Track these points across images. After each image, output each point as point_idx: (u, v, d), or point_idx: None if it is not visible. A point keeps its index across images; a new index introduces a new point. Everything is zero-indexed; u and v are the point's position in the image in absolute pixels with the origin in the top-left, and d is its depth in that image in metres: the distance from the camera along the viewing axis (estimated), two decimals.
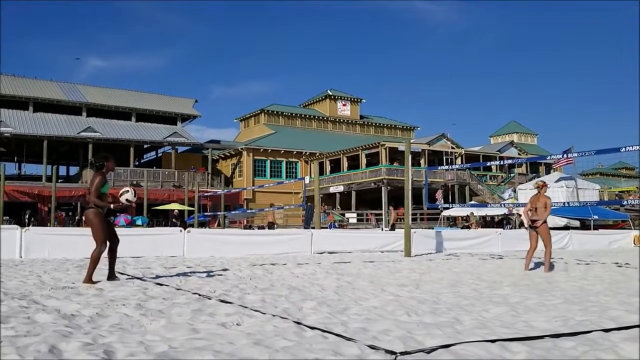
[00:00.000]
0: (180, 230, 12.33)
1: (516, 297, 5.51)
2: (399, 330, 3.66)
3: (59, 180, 35.32)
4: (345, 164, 43.37)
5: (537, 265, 9.19)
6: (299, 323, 3.90)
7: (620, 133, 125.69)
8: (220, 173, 43.41)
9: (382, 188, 37.58)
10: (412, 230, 13.43)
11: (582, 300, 5.26)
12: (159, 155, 46.22)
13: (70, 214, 33.88)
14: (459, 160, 43.10)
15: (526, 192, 25.50)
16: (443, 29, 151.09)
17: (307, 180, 19.50)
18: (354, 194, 40.26)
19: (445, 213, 29.95)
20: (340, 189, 41.54)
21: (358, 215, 36.97)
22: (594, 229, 22.62)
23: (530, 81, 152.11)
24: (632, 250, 16.76)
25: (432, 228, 22.16)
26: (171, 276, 7.22)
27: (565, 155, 22.58)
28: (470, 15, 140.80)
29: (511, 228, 23.68)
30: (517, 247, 15.13)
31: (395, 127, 58.16)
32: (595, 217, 23.58)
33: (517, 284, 6.76)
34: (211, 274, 7.61)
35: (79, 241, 10.41)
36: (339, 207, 40.13)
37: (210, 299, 5.10)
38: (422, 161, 41.18)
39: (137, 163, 45.23)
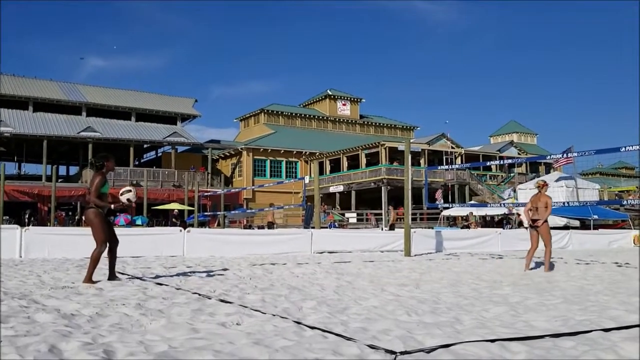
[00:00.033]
0: (180, 230, 12.33)
1: (516, 296, 5.51)
2: (398, 330, 3.66)
3: (59, 180, 35.30)
4: (345, 163, 43.37)
5: (537, 265, 9.19)
6: (298, 323, 3.90)
7: (620, 133, 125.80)
8: (220, 173, 43.41)
9: (382, 188, 37.59)
10: (412, 230, 13.44)
11: (582, 300, 5.26)
12: (159, 155, 46.22)
13: (70, 213, 33.88)
14: (458, 160, 43.11)
15: (526, 191, 25.52)
16: (443, 29, 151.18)
17: (307, 180, 19.49)
18: (353, 193, 40.26)
19: (445, 213, 29.95)
20: (340, 188, 41.54)
21: (358, 215, 36.97)
22: (594, 228, 22.63)
23: (530, 81, 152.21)
24: (632, 250, 16.76)
25: (432, 228, 22.15)
26: (171, 276, 7.22)
27: (565, 155, 22.59)
28: (470, 15, 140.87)
29: (511, 228, 23.67)
30: (516, 247, 15.14)
31: (395, 127, 58.16)
32: (595, 216, 23.58)
33: (516, 284, 6.76)
34: (211, 273, 7.61)
35: (78, 241, 10.42)
36: (338, 206, 40.14)
37: (210, 298, 5.10)
38: (422, 161, 41.18)
39: (137, 163, 45.23)
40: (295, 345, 3.15)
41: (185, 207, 29.65)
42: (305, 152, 45.52)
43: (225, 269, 8.31)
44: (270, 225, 21.85)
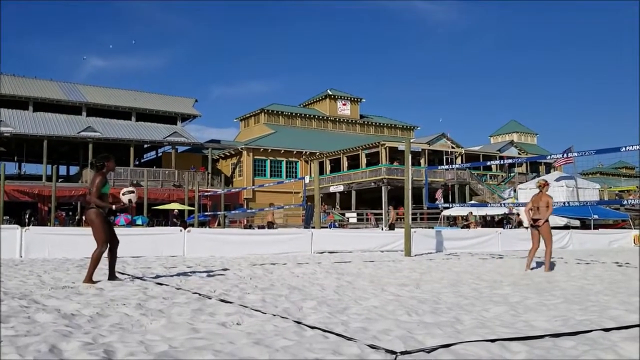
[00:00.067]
0: (181, 230, 12.33)
1: (516, 296, 5.51)
2: (399, 330, 3.66)
3: (59, 180, 35.31)
4: (345, 163, 43.37)
5: (538, 264, 9.19)
6: (299, 323, 3.90)
7: (620, 133, 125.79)
8: (220, 173, 43.41)
9: (382, 188, 37.59)
10: (412, 230, 13.44)
11: (582, 300, 5.26)
12: (159, 154, 46.24)
13: (71, 213, 33.89)
14: (459, 160, 43.12)
15: (526, 191, 25.51)
16: (443, 29, 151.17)
17: (307, 180, 19.50)
18: (354, 193, 40.26)
19: (445, 213, 29.95)
20: (340, 188, 41.54)
21: (358, 214, 36.96)
22: (594, 228, 22.62)
23: (530, 81, 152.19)
24: (632, 249, 16.76)
25: (432, 228, 22.15)
26: (171, 276, 7.22)
27: (565, 155, 22.58)
28: (470, 15, 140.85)
29: (511, 227, 23.66)
30: (517, 247, 15.14)
31: (395, 127, 58.15)
32: (595, 216, 23.57)
33: (517, 284, 6.76)
34: (211, 273, 7.61)
35: (79, 241, 10.43)
36: (338, 206, 40.14)
37: (210, 298, 5.10)
38: (422, 161, 41.17)
39: (137, 163, 45.24)
40: (296, 345, 3.15)
41: (186, 207, 29.65)
42: (306, 152, 45.52)
43: (225, 269, 8.31)
44: (270, 225, 21.84)
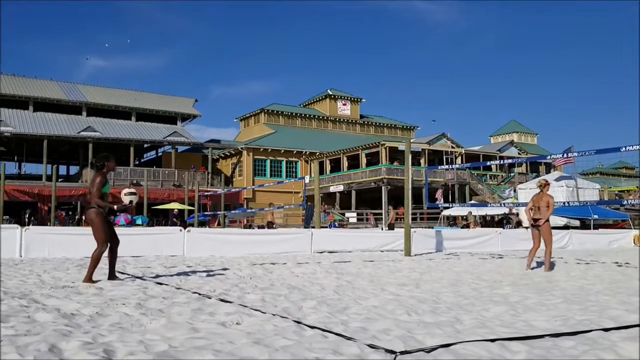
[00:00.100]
0: (180, 230, 12.33)
1: (516, 296, 5.51)
2: (399, 330, 3.66)
3: (59, 180, 35.30)
4: (345, 163, 43.37)
5: (538, 264, 9.19)
6: (298, 322, 3.89)
7: (620, 133, 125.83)
8: (220, 172, 43.41)
9: (382, 187, 37.53)
10: (412, 230, 13.43)
11: (582, 300, 5.26)
12: (159, 154, 46.23)
13: (70, 213, 33.90)
14: (459, 160, 43.12)
15: (526, 191, 25.53)
16: (443, 29, 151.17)
17: (307, 180, 19.49)
18: (354, 193, 40.26)
19: (445, 212, 29.94)
20: (340, 188, 41.54)
21: (358, 214, 36.96)
22: (594, 228, 22.62)
23: (530, 81, 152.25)
24: (632, 249, 16.76)
25: (432, 227, 22.15)
26: (171, 275, 7.22)
27: (565, 155, 22.58)
28: (470, 15, 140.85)
29: (511, 227, 23.66)
30: (516, 247, 15.15)
31: (395, 127, 58.15)
32: (595, 216, 23.58)
33: (516, 284, 6.76)
34: (211, 273, 7.61)
35: (79, 240, 10.42)
36: (338, 206, 40.13)
37: (210, 298, 5.10)
38: (422, 161, 41.18)
39: (137, 162, 45.23)
40: (295, 345, 3.15)
41: (186, 207, 29.65)
42: (306, 152, 45.52)
43: (225, 269, 8.31)
44: (270, 225, 21.85)
